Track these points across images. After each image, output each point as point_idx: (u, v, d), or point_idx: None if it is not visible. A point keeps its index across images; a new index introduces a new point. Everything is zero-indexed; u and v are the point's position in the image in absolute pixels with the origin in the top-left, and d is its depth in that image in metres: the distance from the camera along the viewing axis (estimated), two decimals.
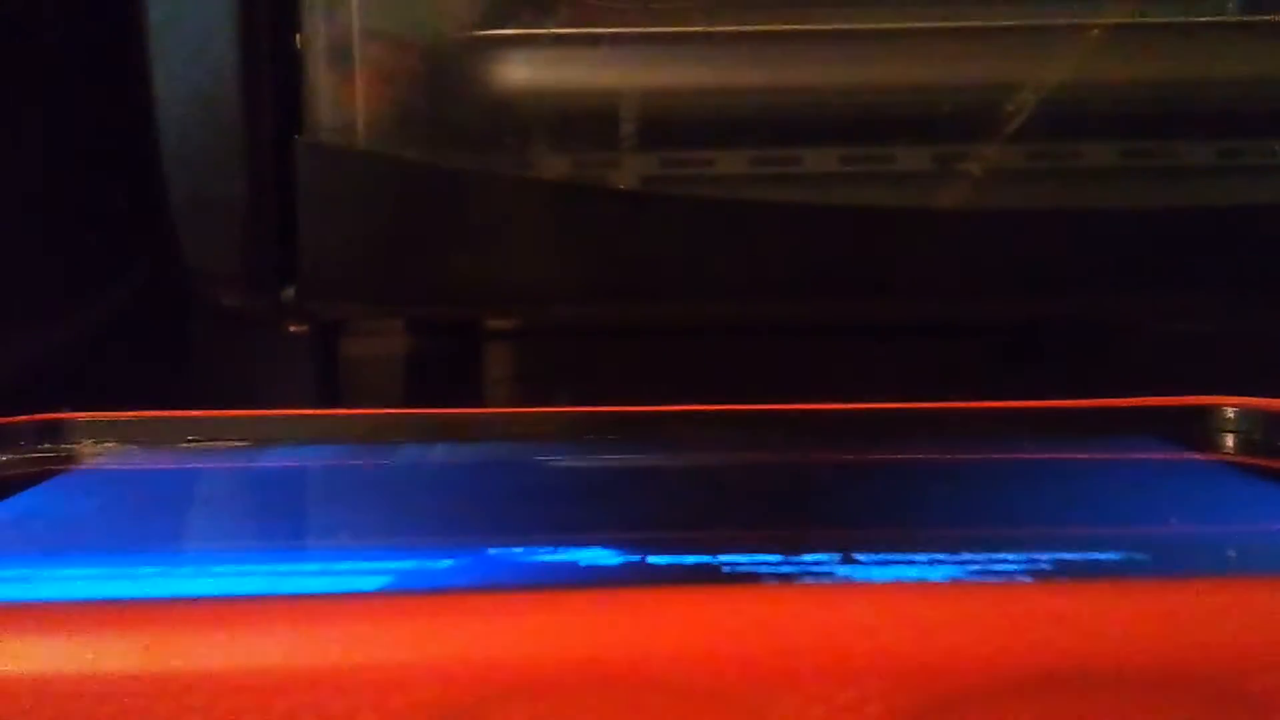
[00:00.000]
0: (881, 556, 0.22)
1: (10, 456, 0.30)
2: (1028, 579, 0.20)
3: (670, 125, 0.39)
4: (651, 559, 0.21)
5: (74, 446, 0.30)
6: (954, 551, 0.22)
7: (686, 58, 0.39)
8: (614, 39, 0.39)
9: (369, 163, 0.38)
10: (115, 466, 0.30)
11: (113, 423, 0.31)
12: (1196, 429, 0.30)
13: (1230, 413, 0.30)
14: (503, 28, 0.39)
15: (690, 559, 0.21)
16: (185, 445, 0.31)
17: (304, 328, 0.44)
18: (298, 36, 0.38)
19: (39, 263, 0.41)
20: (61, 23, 0.41)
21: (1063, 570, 0.21)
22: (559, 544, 0.22)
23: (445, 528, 0.25)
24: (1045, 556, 0.22)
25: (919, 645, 0.17)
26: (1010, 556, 0.22)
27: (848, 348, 0.46)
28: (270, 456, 0.31)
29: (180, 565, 0.23)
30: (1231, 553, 0.22)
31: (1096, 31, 0.38)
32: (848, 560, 0.21)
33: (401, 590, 0.19)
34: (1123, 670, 0.17)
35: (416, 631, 0.17)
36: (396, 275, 0.39)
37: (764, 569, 0.20)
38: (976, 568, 0.21)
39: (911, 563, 0.21)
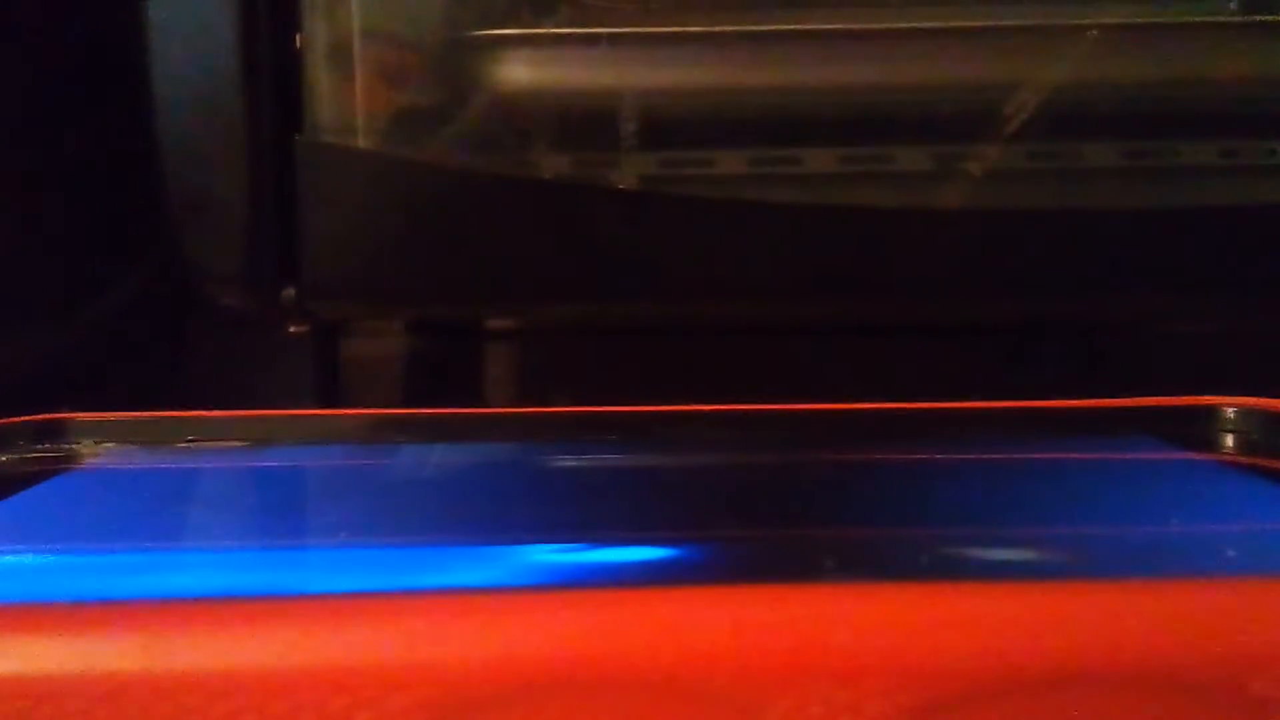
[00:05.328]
0: (882, 556, 0.22)
1: (10, 456, 0.30)
2: (1027, 579, 0.19)
3: (670, 125, 0.39)
4: (651, 559, 0.21)
5: (74, 446, 0.30)
6: (954, 551, 0.22)
7: (686, 58, 0.39)
8: (614, 39, 0.39)
9: (369, 163, 0.38)
10: (115, 466, 0.30)
11: (113, 423, 0.31)
12: (1196, 429, 0.30)
13: (1230, 413, 0.30)
14: (503, 28, 0.39)
15: (689, 559, 0.21)
16: (185, 445, 0.31)
17: (304, 328, 0.44)
18: (298, 36, 0.38)
19: (39, 263, 0.41)
20: (61, 23, 0.41)
21: (1063, 570, 0.21)
22: (559, 544, 0.22)
23: (445, 528, 0.25)
24: (1045, 556, 0.22)
25: (919, 645, 0.17)
26: (1010, 556, 0.22)
27: (848, 348, 0.46)
28: (270, 456, 0.31)
29: (180, 565, 0.23)
30: (1231, 553, 0.22)
31: (1096, 31, 0.38)
32: (848, 560, 0.21)
33: (402, 590, 0.19)
34: (1122, 670, 0.17)
35: (416, 631, 0.17)
36: (396, 275, 0.39)
37: (763, 568, 0.20)
38: (977, 567, 0.21)
39: (911, 562, 0.21)
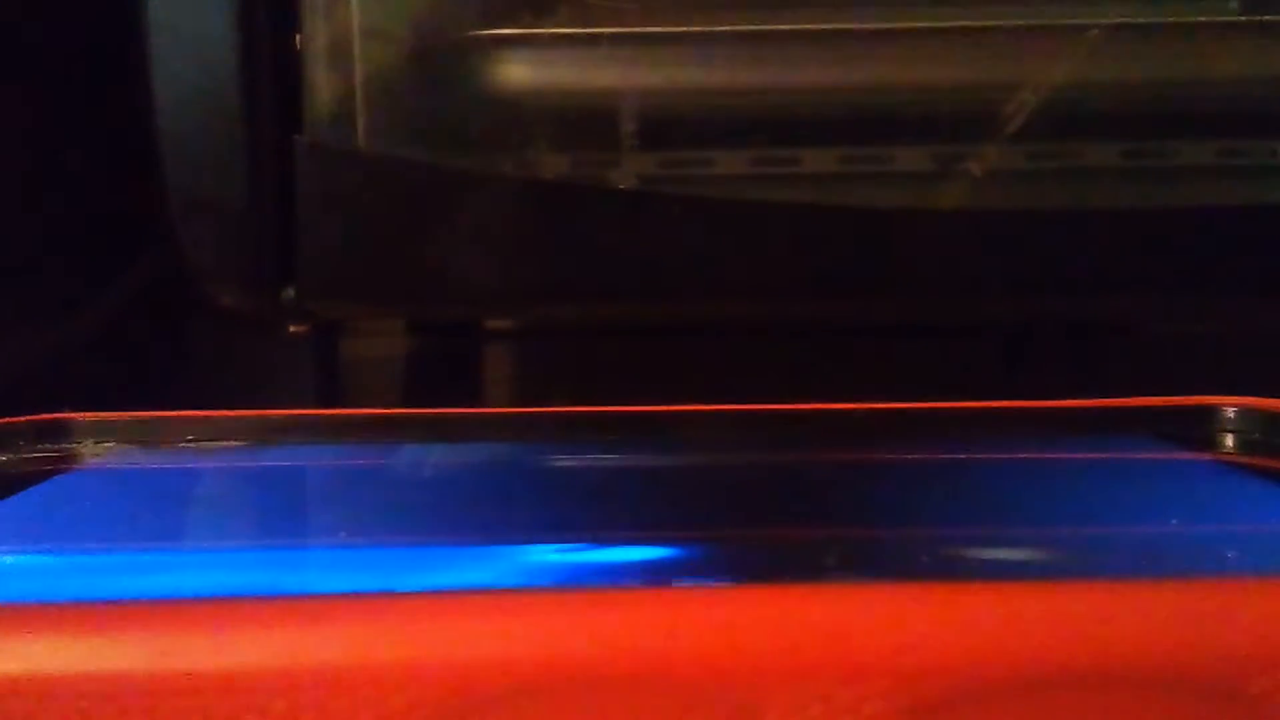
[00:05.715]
0: (882, 556, 0.22)
1: (10, 456, 0.30)
2: (1028, 579, 0.20)
3: (670, 125, 0.39)
4: (650, 559, 0.21)
5: (74, 446, 0.30)
6: (954, 551, 0.22)
7: (686, 58, 0.39)
8: (614, 39, 0.39)
9: (369, 163, 0.38)
10: (115, 466, 0.30)
11: (113, 423, 0.31)
12: (1196, 429, 0.30)
13: (1230, 413, 0.30)
14: (503, 28, 0.39)
15: (689, 558, 0.21)
16: (185, 445, 0.31)
17: (304, 328, 0.44)
18: (298, 36, 0.38)
19: (39, 263, 0.41)
20: (60, 22, 0.41)
21: (1063, 570, 0.21)
22: (559, 544, 0.22)
23: (445, 528, 0.25)
24: (1045, 556, 0.22)
25: (919, 645, 0.17)
26: (1010, 556, 0.22)
27: (848, 348, 0.46)
28: (270, 456, 0.31)
29: (180, 565, 0.23)
30: (1231, 553, 0.22)
31: (1096, 31, 0.38)
32: (848, 560, 0.21)
33: (401, 590, 0.19)
34: (1122, 670, 0.17)
35: (416, 631, 0.17)
36: (396, 275, 0.39)
37: (763, 569, 0.20)
38: (977, 567, 0.21)
39: (911, 562, 0.21)
